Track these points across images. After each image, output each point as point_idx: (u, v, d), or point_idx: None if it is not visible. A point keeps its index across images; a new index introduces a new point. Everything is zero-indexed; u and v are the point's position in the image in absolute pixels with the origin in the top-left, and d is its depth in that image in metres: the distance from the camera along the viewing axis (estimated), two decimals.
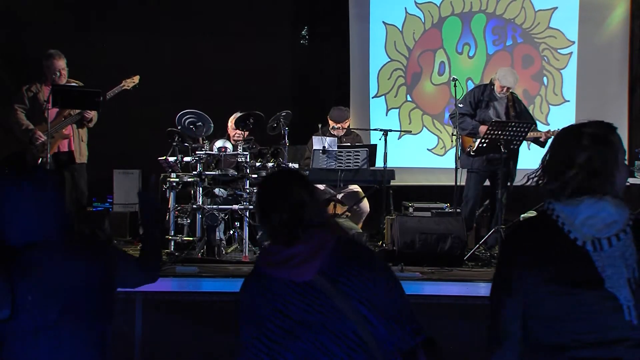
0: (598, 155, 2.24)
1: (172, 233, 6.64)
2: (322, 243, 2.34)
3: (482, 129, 7.20)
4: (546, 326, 2.22)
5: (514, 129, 6.81)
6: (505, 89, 7.35)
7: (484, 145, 6.97)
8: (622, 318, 2.12)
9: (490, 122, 7.14)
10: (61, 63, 7.12)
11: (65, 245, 2.54)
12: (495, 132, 6.81)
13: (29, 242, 2.48)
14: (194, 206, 6.58)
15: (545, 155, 2.37)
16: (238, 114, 7.08)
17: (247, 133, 7.18)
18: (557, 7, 9.44)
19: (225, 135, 7.46)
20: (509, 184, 7.10)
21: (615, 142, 2.28)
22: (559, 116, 9.34)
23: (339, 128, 7.82)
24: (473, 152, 7.30)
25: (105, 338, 2.57)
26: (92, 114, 7.12)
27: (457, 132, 7.48)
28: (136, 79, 7.30)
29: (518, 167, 7.76)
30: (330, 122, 7.89)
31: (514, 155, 7.13)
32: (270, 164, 6.73)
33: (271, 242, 2.45)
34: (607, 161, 2.25)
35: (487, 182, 7.55)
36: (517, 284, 2.25)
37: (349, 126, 8.10)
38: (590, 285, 2.15)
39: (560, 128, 2.45)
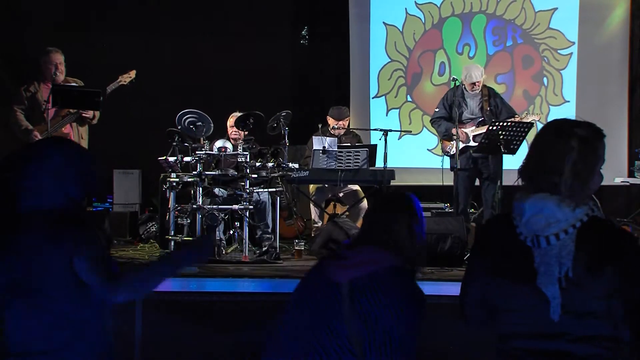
0: (580, 159, 2.28)
1: (172, 233, 6.64)
2: (372, 260, 2.59)
3: (454, 129, 7.33)
4: (499, 316, 2.33)
5: (514, 129, 6.82)
6: (475, 85, 7.43)
7: (484, 145, 6.99)
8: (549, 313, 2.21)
9: (470, 120, 7.26)
10: (58, 57, 7.11)
11: (48, 221, 2.50)
12: (495, 133, 6.82)
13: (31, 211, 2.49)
14: (194, 206, 6.58)
15: (532, 150, 2.41)
16: (238, 114, 7.08)
17: (247, 133, 7.19)
18: (557, 8, 9.44)
19: (225, 135, 7.46)
20: (501, 183, 7.13)
21: (599, 149, 2.32)
22: (559, 116, 9.25)
23: (339, 127, 7.83)
24: (454, 152, 7.37)
25: (68, 319, 2.49)
26: (91, 112, 7.12)
27: (439, 139, 7.62)
28: (132, 73, 7.29)
29: (517, 167, 7.75)
30: (330, 121, 7.90)
31: (498, 154, 7.14)
32: (270, 164, 6.73)
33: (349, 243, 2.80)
34: (586, 167, 2.30)
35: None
36: (474, 272, 2.43)
37: (348, 126, 8.10)
38: (525, 279, 2.24)
39: (551, 120, 2.50)
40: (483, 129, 7.24)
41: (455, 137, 7.35)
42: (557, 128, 2.38)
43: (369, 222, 2.80)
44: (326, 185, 7.76)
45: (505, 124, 6.92)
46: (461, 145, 7.39)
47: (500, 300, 2.31)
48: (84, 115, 7.09)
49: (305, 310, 2.66)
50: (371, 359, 2.46)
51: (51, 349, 2.46)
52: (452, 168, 7.48)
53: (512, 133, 6.81)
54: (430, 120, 7.86)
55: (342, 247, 2.79)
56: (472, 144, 7.37)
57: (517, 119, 7.26)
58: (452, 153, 7.47)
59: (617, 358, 2.22)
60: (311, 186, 7.78)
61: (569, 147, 2.29)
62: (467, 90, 7.50)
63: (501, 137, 6.79)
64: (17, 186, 2.52)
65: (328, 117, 7.94)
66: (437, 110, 7.66)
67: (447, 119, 7.54)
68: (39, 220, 2.49)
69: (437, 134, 7.74)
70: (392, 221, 2.74)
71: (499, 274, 2.29)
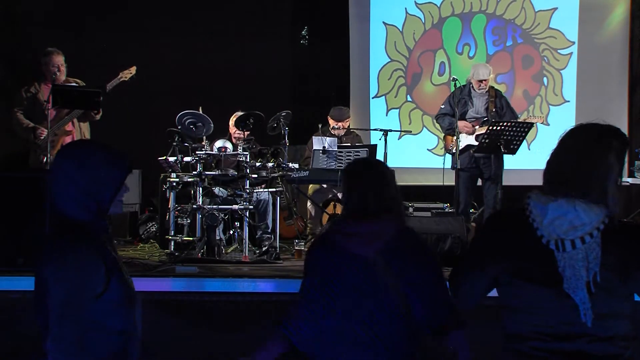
0: (619, 168, 2.29)
1: (172, 233, 6.64)
2: (386, 228, 2.88)
3: (460, 124, 7.33)
4: (509, 316, 2.33)
5: (514, 129, 6.83)
6: (482, 83, 7.44)
7: (485, 145, 6.99)
8: (576, 314, 2.19)
9: (474, 120, 7.28)
10: (59, 59, 7.13)
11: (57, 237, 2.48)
12: (495, 133, 6.82)
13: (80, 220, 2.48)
14: (194, 206, 6.58)
15: (565, 153, 2.35)
16: (238, 114, 7.08)
17: (247, 133, 7.19)
18: (557, 8, 9.45)
19: (226, 135, 7.46)
20: (501, 183, 7.13)
21: (624, 156, 2.33)
22: (559, 116, 9.35)
23: (339, 128, 7.83)
24: (474, 150, 7.37)
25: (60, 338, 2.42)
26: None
27: (442, 136, 7.62)
28: (133, 69, 7.29)
29: (518, 167, 7.80)
30: (330, 121, 7.90)
31: (499, 154, 7.14)
32: (270, 164, 6.73)
33: (346, 217, 3.00)
34: (620, 175, 2.30)
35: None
36: (475, 265, 2.41)
37: (349, 126, 8.10)
38: (549, 283, 2.22)
39: (577, 126, 2.42)
40: (485, 129, 7.25)
41: (457, 133, 7.37)
42: (599, 135, 2.32)
43: (358, 194, 2.98)
44: (324, 186, 7.76)
45: (505, 124, 6.92)
46: (463, 144, 7.38)
47: (518, 301, 2.30)
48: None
49: (334, 288, 2.85)
50: (416, 312, 2.81)
51: None
52: (453, 167, 7.50)
53: (512, 133, 6.82)
54: (435, 117, 7.86)
55: (343, 222, 2.99)
56: (474, 142, 7.37)
57: (518, 120, 7.27)
58: (454, 151, 7.47)
59: (633, 356, 2.23)
60: (309, 187, 7.77)
61: (610, 155, 2.27)
62: (474, 89, 7.52)
63: (502, 137, 6.79)
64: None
65: (328, 117, 7.94)
66: (442, 107, 7.71)
67: (452, 116, 7.55)
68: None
69: (440, 129, 7.75)
70: (381, 189, 2.99)
71: (519, 276, 2.27)
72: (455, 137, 7.46)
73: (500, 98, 7.61)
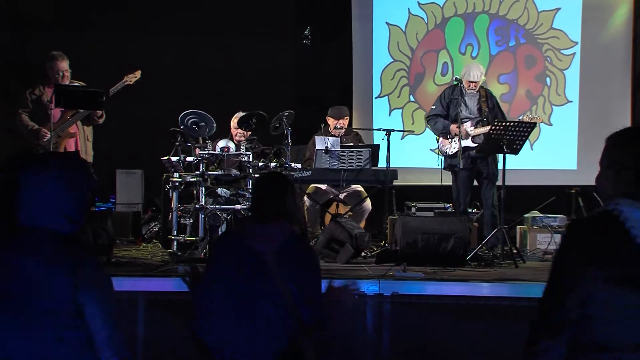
0: None
1: (175, 233, 6.64)
2: (278, 231, 3.34)
3: (453, 127, 7.32)
4: (605, 326, 2.23)
5: (517, 129, 6.81)
6: (472, 84, 7.42)
7: (487, 145, 6.98)
8: None
9: (468, 120, 7.26)
10: (64, 64, 7.13)
11: (36, 240, 2.43)
12: (498, 133, 6.81)
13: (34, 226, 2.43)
14: (197, 206, 6.58)
15: (625, 156, 2.36)
16: (241, 114, 7.08)
17: (249, 133, 7.19)
18: (560, 8, 9.43)
19: (228, 135, 7.46)
20: (499, 183, 7.11)
21: None
22: (562, 117, 9.35)
23: (341, 128, 7.82)
24: (452, 152, 7.37)
25: (63, 343, 2.40)
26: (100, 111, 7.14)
27: (438, 135, 7.59)
28: (138, 73, 7.31)
29: (520, 167, 7.79)
30: (330, 121, 7.90)
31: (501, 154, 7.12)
32: (272, 164, 6.73)
33: (249, 218, 3.67)
34: None
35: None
36: (579, 279, 2.24)
37: (350, 125, 8.10)
38: None
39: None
40: (482, 130, 7.24)
41: (452, 135, 7.38)
42: None
43: (262, 200, 3.46)
44: (323, 188, 7.75)
45: (509, 123, 6.91)
46: (463, 143, 7.36)
47: (611, 309, 2.22)
48: (94, 112, 7.10)
49: (234, 278, 3.26)
50: (302, 310, 3.25)
51: None
52: (446, 167, 7.50)
53: (515, 133, 6.80)
54: (426, 117, 7.81)
55: (247, 223, 3.64)
56: (470, 144, 7.35)
57: (520, 120, 7.25)
58: (449, 153, 7.46)
59: None
60: (309, 188, 7.76)
61: None
62: (464, 90, 7.49)
63: (505, 137, 6.78)
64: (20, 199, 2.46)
65: (328, 117, 7.93)
66: (433, 107, 7.64)
67: (443, 117, 7.54)
68: (43, 239, 2.44)
69: (433, 130, 7.70)
70: (282, 197, 3.42)
71: (617, 283, 2.20)
72: (449, 139, 7.45)
73: (491, 98, 7.58)
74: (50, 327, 2.38)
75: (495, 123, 6.94)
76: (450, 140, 7.47)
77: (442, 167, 7.59)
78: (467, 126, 7.40)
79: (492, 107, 7.50)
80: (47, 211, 2.46)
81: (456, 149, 7.31)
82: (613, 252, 2.22)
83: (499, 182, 7.04)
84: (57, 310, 2.39)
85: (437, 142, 7.68)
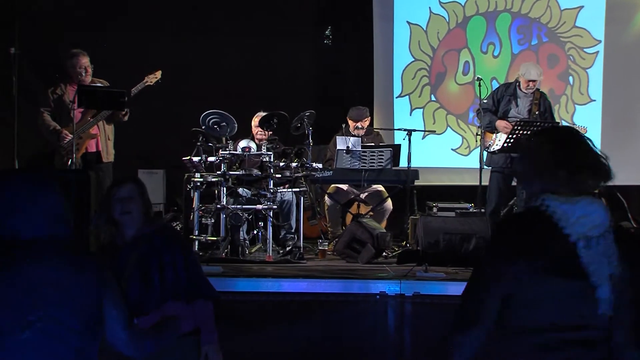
0: (599, 158, 2.46)
1: (196, 233, 6.66)
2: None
3: (499, 123, 7.27)
4: (531, 313, 2.37)
5: (540, 128, 6.76)
6: (530, 83, 7.36)
7: (509, 144, 6.94)
8: (594, 307, 2.33)
9: (515, 120, 7.19)
10: (85, 60, 7.18)
11: (57, 249, 2.44)
12: (521, 132, 6.77)
13: (13, 240, 2.41)
14: (218, 206, 6.59)
15: (544, 154, 2.48)
16: (262, 114, 7.09)
17: (270, 133, 7.19)
18: (583, 6, 9.36)
19: (249, 135, 7.48)
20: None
21: None
22: (585, 116, 9.27)
23: (360, 128, 7.82)
24: (495, 150, 7.32)
25: (82, 356, 2.42)
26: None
27: (480, 132, 7.51)
28: (158, 74, 7.34)
29: None
30: (350, 122, 7.89)
31: None
32: (294, 164, 6.73)
33: None
34: (607, 166, 2.46)
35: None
36: (506, 273, 2.39)
37: (370, 125, 8.09)
38: (575, 277, 2.34)
39: (558, 126, 2.64)
40: None
41: (497, 131, 7.31)
42: (570, 134, 2.58)
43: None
44: (344, 188, 7.75)
45: (531, 122, 6.87)
46: (500, 144, 7.27)
47: (539, 296, 2.37)
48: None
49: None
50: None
51: None
52: (487, 164, 7.44)
53: None
54: (476, 110, 7.78)
55: None
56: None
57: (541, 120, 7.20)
58: (491, 150, 7.40)
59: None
60: (330, 187, 7.76)
61: (589, 149, 2.51)
62: (520, 89, 7.44)
63: (527, 136, 6.73)
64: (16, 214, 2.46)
65: (348, 119, 7.93)
66: (485, 101, 7.58)
67: (492, 112, 7.48)
68: (51, 249, 2.44)
69: (480, 124, 7.62)
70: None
71: (547, 272, 2.35)
72: (494, 135, 7.40)
73: (545, 101, 7.52)
74: (73, 340, 2.39)
75: (519, 122, 6.90)
76: (494, 136, 7.41)
77: (485, 165, 7.50)
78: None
79: (543, 111, 7.43)
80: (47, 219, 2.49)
81: (499, 147, 7.26)
82: (543, 244, 2.37)
83: None
84: (85, 320, 2.42)
85: (481, 139, 7.56)
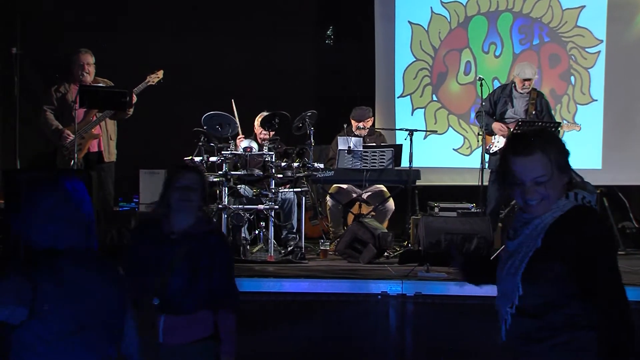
0: None
1: None
2: None
3: (495, 125, 7.29)
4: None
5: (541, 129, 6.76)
6: (526, 82, 7.38)
7: None
8: None
9: (512, 120, 7.21)
10: (87, 58, 7.18)
11: (90, 258, 2.48)
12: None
13: (53, 249, 2.43)
14: (220, 206, 6.60)
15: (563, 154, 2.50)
16: (264, 114, 7.10)
17: (272, 133, 7.19)
18: (584, 6, 9.35)
19: (251, 134, 7.48)
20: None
21: None
22: (586, 116, 9.26)
23: (363, 128, 7.82)
24: (494, 151, 7.33)
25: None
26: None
27: (482, 132, 7.52)
28: (160, 73, 7.34)
29: None
30: (352, 122, 7.89)
31: None
32: (295, 164, 6.74)
33: None
34: None
35: None
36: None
37: (372, 126, 8.09)
38: None
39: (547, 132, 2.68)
40: None
41: (494, 133, 7.34)
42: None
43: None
44: (346, 188, 7.75)
45: (533, 123, 6.87)
46: (500, 145, 7.28)
47: None
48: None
49: None
50: None
51: None
52: (489, 165, 7.46)
53: None
54: (476, 114, 7.80)
55: None
56: None
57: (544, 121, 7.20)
58: (491, 151, 7.43)
59: None
60: (331, 188, 7.76)
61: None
62: (516, 90, 7.44)
63: None
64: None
65: (351, 118, 7.93)
66: (483, 104, 7.64)
67: (490, 114, 7.51)
68: (86, 259, 2.49)
69: (479, 127, 7.67)
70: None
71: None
72: (492, 137, 7.42)
73: (541, 100, 7.52)
74: (104, 348, 2.47)
75: (519, 123, 6.90)
76: (493, 138, 7.43)
77: (487, 167, 7.53)
78: (512, 127, 7.36)
79: (540, 110, 7.42)
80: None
81: (498, 148, 7.28)
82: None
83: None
84: (112, 329, 2.50)
85: (483, 139, 7.59)
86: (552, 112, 7.68)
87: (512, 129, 7.30)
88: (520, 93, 7.46)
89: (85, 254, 2.48)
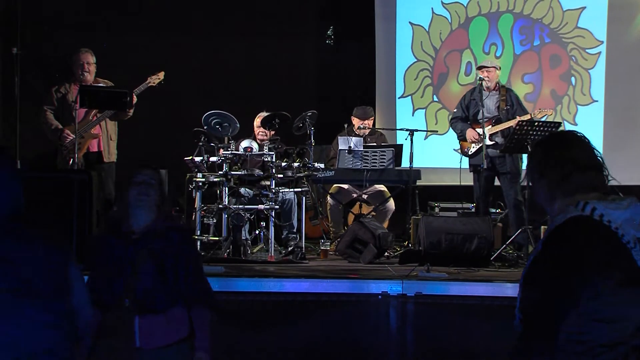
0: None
1: (198, 233, 6.66)
2: None
3: (469, 133, 7.32)
4: (606, 328, 2.26)
5: (542, 129, 6.77)
6: (484, 71, 7.47)
7: (512, 144, 6.94)
8: None
9: (487, 119, 7.23)
10: (87, 57, 7.19)
11: (15, 226, 2.49)
12: (522, 132, 6.77)
13: None
14: (220, 206, 6.60)
15: (563, 155, 2.44)
16: (264, 114, 7.10)
17: (272, 133, 7.19)
18: (585, 7, 9.35)
19: (251, 134, 7.48)
20: (526, 183, 7.02)
21: None
22: (587, 116, 9.26)
23: (364, 127, 7.81)
24: (472, 152, 7.35)
25: (65, 317, 2.51)
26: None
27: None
28: (161, 75, 7.34)
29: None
30: (354, 121, 7.89)
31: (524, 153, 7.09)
32: (295, 164, 6.74)
33: None
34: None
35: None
36: (584, 292, 2.26)
37: (374, 125, 8.09)
38: (638, 282, 2.26)
39: (558, 132, 2.58)
40: (498, 127, 7.22)
41: (469, 140, 7.37)
42: (576, 137, 2.52)
43: None
44: (346, 188, 7.74)
45: (533, 122, 6.87)
46: (477, 146, 7.33)
47: (615, 309, 2.27)
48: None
49: None
50: None
51: (55, 348, 2.47)
52: (470, 168, 7.46)
53: (540, 132, 6.76)
54: (450, 121, 7.84)
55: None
56: (487, 142, 7.28)
57: (543, 119, 7.22)
58: (470, 154, 7.45)
59: None
60: (332, 187, 7.77)
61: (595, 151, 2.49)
62: (484, 90, 7.44)
63: (529, 136, 6.74)
64: None
65: (352, 117, 7.93)
66: (455, 110, 7.71)
67: (463, 119, 7.53)
68: (22, 224, 2.51)
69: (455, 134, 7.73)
70: None
71: (622, 283, 2.25)
72: (469, 142, 7.43)
73: (511, 95, 7.53)
74: (55, 307, 2.50)
75: (521, 122, 6.91)
76: (469, 141, 7.45)
77: (468, 168, 7.54)
78: (485, 127, 7.36)
79: (511, 105, 7.43)
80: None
81: (475, 149, 7.31)
82: (611, 253, 2.26)
83: (525, 182, 6.96)
84: (58, 288, 2.51)
85: (460, 145, 7.66)
86: (523, 104, 7.67)
87: (487, 128, 7.31)
88: (489, 92, 7.46)
89: (15, 219, 2.50)
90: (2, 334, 2.37)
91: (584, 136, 2.50)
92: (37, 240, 2.50)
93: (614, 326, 2.26)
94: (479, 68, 7.54)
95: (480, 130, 7.28)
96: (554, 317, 2.30)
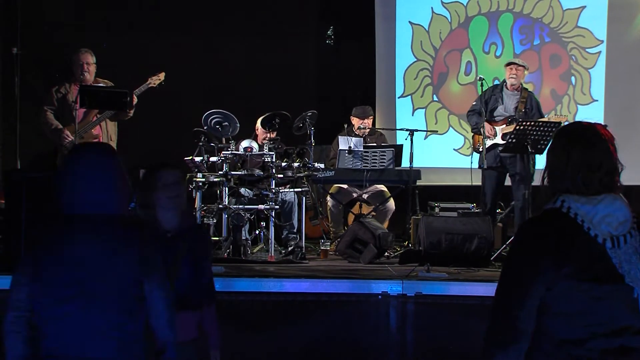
0: (610, 155, 2.39)
1: None
2: None
3: (487, 126, 7.27)
4: (566, 322, 2.28)
5: (541, 129, 6.76)
6: (513, 67, 7.48)
7: (511, 144, 6.93)
8: (629, 308, 2.25)
9: (502, 117, 7.22)
10: (87, 57, 7.17)
11: (106, 224, 2.51)
12: (522, 132, 6.76)
13: (69, 215, 2.50)
14: (220, 206, 6.60)
15: (561, 154, 2.40)
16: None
17: (273, 133, 7.19)
18: (585, 6, 9.35)
19: (252, 135, 7.48)
20: (531, 183, 7.02)
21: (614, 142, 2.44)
22: (587, 116, 9.25)
23: (364, 127, 7.81)
24: (500, 150, 7.33)
25: (125, 332, 2.49)
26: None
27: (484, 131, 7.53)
28: (162, 75, 7.34)
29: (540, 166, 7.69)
30: (354, 120, 7.89)
31: (525, 154, 7.06)
32: (295, 164, 6.74)
33: None
34: (617, 161, 2.41)
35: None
36: (537, 282, 2.28)
37: (373, 125, 8.09)
38: (609, 280, 2.26)
39: (561, 127, 2.54)
40: (509, 128, 7.19)
41: (484, 133, 7.34)
42: (597, 131, 2.44)
43: None
44: (346, 188, 7.75)
45: (532, 123, 6.87)
46: (489, 142, 7.31)
47: (574, 305, 2.27)
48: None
49: None
50: None
51: (99, 357, 2.46)
52: (480, 166, 7.43)
53: (540, 132, 6.76)
54: (467, 112, 7.79)
55: None
56: (500, 141, 7.28)
57: (545, 119, 7.20)
58: (481, 150, 7.42)
59: None
60: (332, 187, 7.77)
61: (598, 147, 2.40)
62: (507, 88, 7.44)
63: (529, 136, 6.73)
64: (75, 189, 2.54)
65: (352, 117, 7.93)
66: (474, 103, 7.63)
67: (479, 113, 7.50)
68: (104, 225, 2.51)
69: (469, 127, 7.70)
70: None
71: (580, 278, 2.26)
72: (482, 136, 7.41)
73: (531, 99, 7.51)
74: (110, 317, 2.48)
75: (520, 122, 6.90)
76: (487, 134, 7.43)
77: (477, 167, 7.51)
78: (499, 126, 7.35)
79: (529, 108, 7.40)
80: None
81: (488, 145, 7.28)
82: (573, 248, 2.27)
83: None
84: (124, 297, 2.50)
85: (471, 139, 7.64)
86: (542, 111, 7.65)
87: (500, 127, 7.30)
88: (511, 92, 7.46)
89: (104, 219, 2.51)
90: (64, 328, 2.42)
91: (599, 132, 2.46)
92: (113, 239, 2.51)
93: (574, 322, 2.27)
94: (508, 64, 7.51)
95: (497, 128, 7.28)
96: (510, 306, 2.31)
